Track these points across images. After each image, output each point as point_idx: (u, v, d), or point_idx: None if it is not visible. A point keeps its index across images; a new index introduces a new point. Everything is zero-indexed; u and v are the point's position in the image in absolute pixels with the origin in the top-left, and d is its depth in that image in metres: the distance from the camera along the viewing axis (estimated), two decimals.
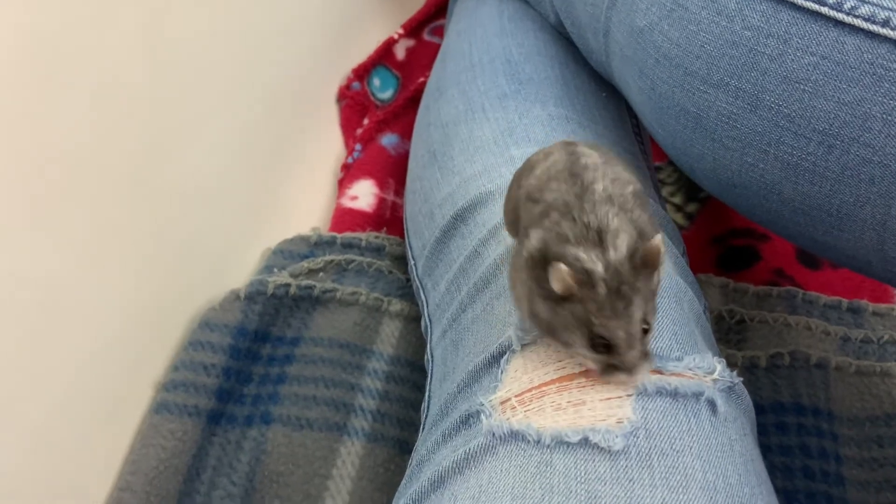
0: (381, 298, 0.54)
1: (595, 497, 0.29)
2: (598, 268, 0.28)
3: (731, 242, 0.60)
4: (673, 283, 0.39)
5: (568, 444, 0.30)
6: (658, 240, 0.29)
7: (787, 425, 0.47)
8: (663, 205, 0.52)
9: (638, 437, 0.30)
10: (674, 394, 0.32)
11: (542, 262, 0.29)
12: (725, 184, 0.42)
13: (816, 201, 0.38)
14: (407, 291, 0.55)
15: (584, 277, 0.28)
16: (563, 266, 0.28)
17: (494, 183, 0.44)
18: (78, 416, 0.42)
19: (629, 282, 0.28)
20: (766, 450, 0.46)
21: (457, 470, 0.32)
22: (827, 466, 0.46)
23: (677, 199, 0.64)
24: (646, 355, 0.30)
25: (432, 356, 0.44)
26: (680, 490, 0.29)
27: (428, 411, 0.40)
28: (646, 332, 0.30)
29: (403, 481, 0.36)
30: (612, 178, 0.31)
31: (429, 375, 0.43)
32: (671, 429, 0.31)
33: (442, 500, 0.32)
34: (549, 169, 0.32)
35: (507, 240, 0.41)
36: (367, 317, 0.53)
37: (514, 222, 0.34)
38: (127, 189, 0.44)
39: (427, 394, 0.42)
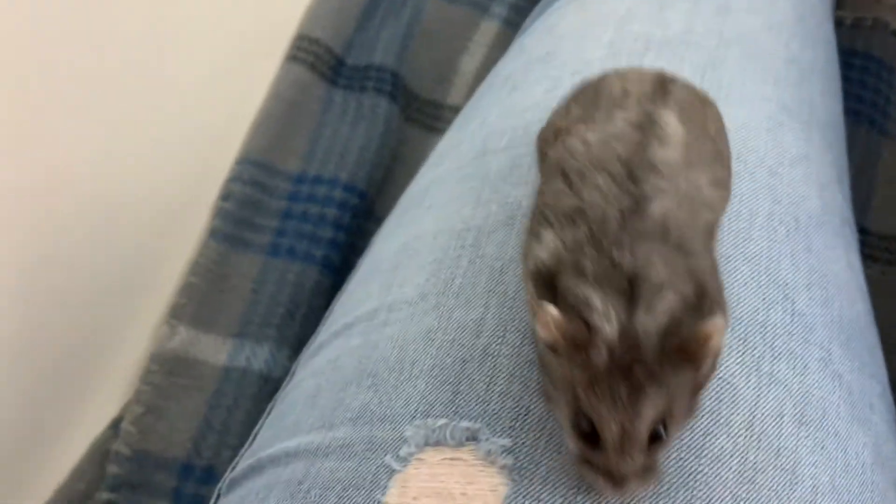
0: None
1: None
2: (609, 328, 0.20)
3: None
4: None
5: None
6: (715, 324, 0.20)
7: (852, 66, 0.56)
8: None
9: None
10: None
11: (549, 283, 0.22)
12: None
13: None
14: None
15: (582, 335, 0.20)
16: (552, 310, 0.20)
17: None
18: None
19: (649, 365, 0.20)
20: None
21: None
22: (877, 99, 0.55)
23: None
24: (647, 470, 0.21)
25: None
26: None
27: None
28: (656, 438, 0.21)
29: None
30: (683, 194, 0.23)
31: None
32: None
33: None
34: (607, 144, 0.24)
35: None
36: None
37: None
38: None
39: None
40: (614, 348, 0.20)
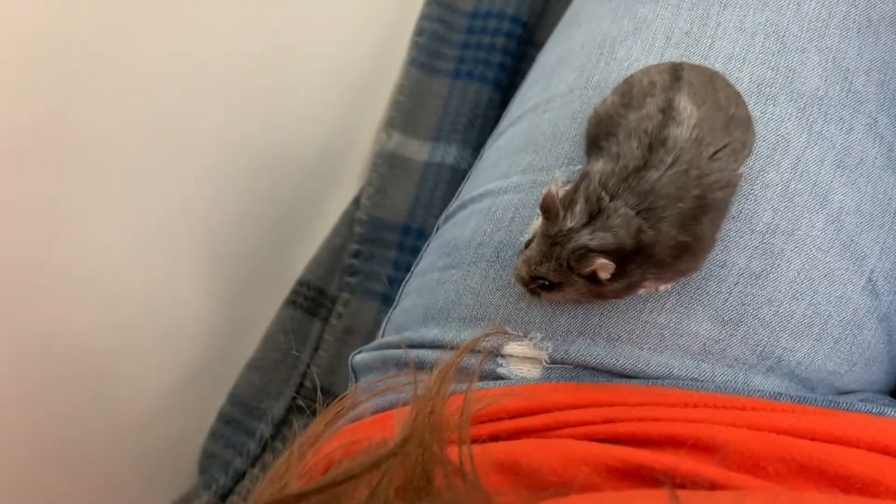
0: None
1: None
2: (568, 223, 0.31)
3: None
4: None
5: None
6: (599, 264, 0.30)
7: None
8: None
9: None
10: None
11: None
12: None
13: None
14: None
15: (553, 209, 0.31)
16: (554, 187, 0.34)
17: None
18: None
19: (562, 254, 0.31)
20: None
21: None
22: None
23: None
24: (532, 282, 0.33)
25: None
26: None
27: None
28: (551, 286, 0.33)
29: None
30: (681, 168, 0.31)
31: None
32: None
33: None
34: (642, 121, 0.32)
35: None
36: None
37: (594, 139, 0.35)
38: None
39: None
40: (559, 232, 0.31)
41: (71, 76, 0.41)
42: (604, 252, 0.30)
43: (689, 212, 0.31)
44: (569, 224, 0.31)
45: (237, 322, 0.57)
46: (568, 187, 0.33)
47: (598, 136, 0.35)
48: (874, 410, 0.34)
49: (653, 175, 0.30)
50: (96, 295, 0.47)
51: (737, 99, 0.34)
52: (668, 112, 0.32)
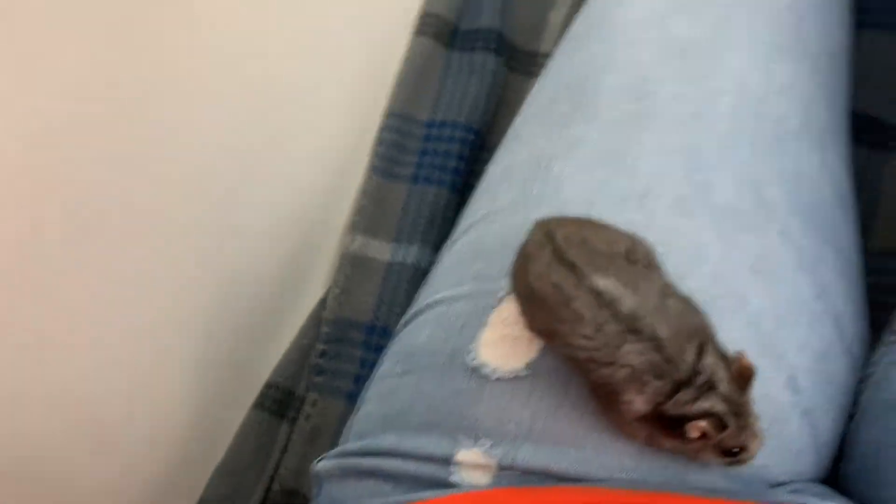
0: None
1: None
2: (720, 405, 0.33)
3: None
4: None
5: None
6: (747, 359, 0.34)
7: None
8: None
9: None
10: None
11: (661, 420, 0.34)
12: None
13: None
14: None
15: (718, 422, 0.33)
16: (701, 424, 0.33)
17: None
18: None
19: (742, 400, 0.34)
20: None
21: None
22: None
23: None
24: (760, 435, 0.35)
25: None
26: None
27: None
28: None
29: None
30: (653, 305, 0.35)
31: None
32: None
33: None
34: (600, 320, 0.34)
35: None
36: None
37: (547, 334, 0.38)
38: None
39: None
40: (732, 412, 0.33)
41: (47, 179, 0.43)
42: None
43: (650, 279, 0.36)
44: (720, 399, 0.33)
45: (208, 427, 0.58)
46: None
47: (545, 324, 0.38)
48: (799, 501, 0.36)
49: (662, 331, 0.34)
50: (69, 400, 0.48)
51: (612, 236, 0.38)
52: (601, 299, 0.35)
